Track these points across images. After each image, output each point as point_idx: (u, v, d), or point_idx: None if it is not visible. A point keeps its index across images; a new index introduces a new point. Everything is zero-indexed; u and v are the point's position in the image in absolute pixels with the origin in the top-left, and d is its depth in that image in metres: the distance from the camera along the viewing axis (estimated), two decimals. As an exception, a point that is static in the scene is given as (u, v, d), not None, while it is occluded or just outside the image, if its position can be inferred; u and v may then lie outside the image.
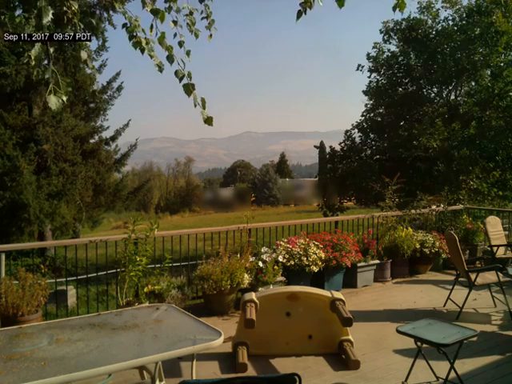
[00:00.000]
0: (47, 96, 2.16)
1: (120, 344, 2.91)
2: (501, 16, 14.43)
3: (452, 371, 3.35)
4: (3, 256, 4.85)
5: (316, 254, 6.00)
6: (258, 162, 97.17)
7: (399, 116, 17.88)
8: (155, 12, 2.72)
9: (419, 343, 3.43)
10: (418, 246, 7.02)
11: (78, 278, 8.74)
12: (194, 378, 3.16)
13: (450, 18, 16.27)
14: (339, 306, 4.06)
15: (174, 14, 2.93)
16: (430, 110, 15.86)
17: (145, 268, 4.95)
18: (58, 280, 9.71)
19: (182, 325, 3.26)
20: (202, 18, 3.11)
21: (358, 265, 6.49)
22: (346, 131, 18.97)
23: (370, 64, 18.07)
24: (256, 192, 52.06)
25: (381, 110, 18.51)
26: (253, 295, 4.18)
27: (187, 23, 3.00)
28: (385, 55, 17.89)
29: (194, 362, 3.15)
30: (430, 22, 16.79)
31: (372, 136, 18.51)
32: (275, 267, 5.67)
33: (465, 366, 3.87)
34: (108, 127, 17.18)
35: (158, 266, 5.34)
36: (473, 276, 5.21)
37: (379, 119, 18.36)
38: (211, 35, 3.18)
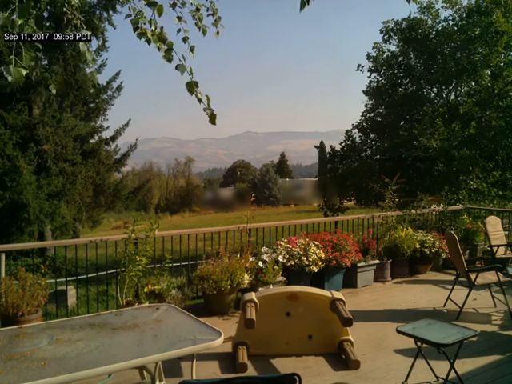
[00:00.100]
0: (5, 66, 2.07)
1: (120, 344, 2.91)
2: (501, 16, 14.43)
3: (452, 371, 3.35)
4: (3, 256, 4.85)
5: (316, 253, 6.00)
6: (258, 162, 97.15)
7: (399, 116, 17.88)
8: (152, 4, 2.69)
9: (419, 343, 3.43)
10: (417, 246, 7.02)
11: (78, 277, 8.74)
12: (194, 377, 3.17)
13: (450, 18, 16.28)
14: (339, 305, 4.06)
15: (179, 10, 2.91)
16: (430, 110, 15.86)
17: (145, 268, 4.95)
18: (58, 280, 9.73)
19: (181, 325, 3.26)
20: (208, 15, 3.09)
21: (358, 265, 6.49)
22: (346, 131, 18.98)
23: (370, 64, 18.08)
24: (256, 192, 52.06)
25: (381, 110, 18.51)
26: (253, 295, 4.18)
27: (194, 18, 2.97)
28: (385, 55, 17.90)
29: (194, 362, 3.15)
30: (430, 22, 16.80)
31: (372, 136, 18.52)
32: (275, 267, 5.67)
33: (465, 365, 3.87)
34: (108, 127, 17.21)
35: (158, 266, 5.34)
36: (473, 276, 5.21)
37: (379, 119, 18.36)
38: (218, 32, 3.15)
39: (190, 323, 3.27)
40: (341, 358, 4.13)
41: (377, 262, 6.74)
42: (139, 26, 2.66)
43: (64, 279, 9.11)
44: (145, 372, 3.40)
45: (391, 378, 3.75)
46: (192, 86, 2.71)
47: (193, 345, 2.88)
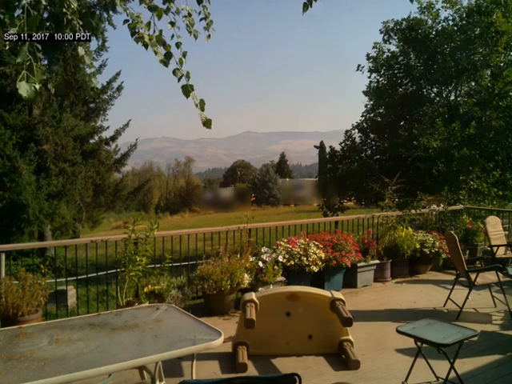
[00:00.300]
0: (18, 82, 1.99)
1: (120, 344, 2.91)
2: (501, 16, 14.43)
3: (452, 371, 3.35)
4: (3, 256, 4.85)
5: (316, 254, 6.00)
6: (258, 162, 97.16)
7: (399, 116, 17.86)
8: (153, 9, 2.72)
9: (419, 343, 3.43)
10: (418, 245, 7.02)
11: (78, 277, 8.73)
12: (194, 377, 3.17)
13: (450, 18, 16.26)
14: (339, 305, 4.06)
15: (172, 16, 2.94)
16: (430, 110, 15.84)
17: (145, 268, 4.95)
18: (58, 280, 9.72)
19: (181, 325, 3.26)
20: (201, 19, 3.13)
21: (358, 265, 6.49)
22: (346, 131, 18.96)
23: (370, 64, 18.06)
24: (256, 192, 52.05)
25: (381, 110, 18.49)
26: (253, 295, 4.18)
27: (186, 24, 3.01)
28: (385, 55, 17.87)
29: (194, 362, 3.15)
30: (430, 22, 16.78)
31: (372, 136, 18.50)
32: (275, 267, 5.67)
33: (465, 365, 3.87)
34: (108, 127, 17.19)
35: (158, 266, 5.34)
36: (473, 276, 5.21)
37: (379, 119, 18.34)
38: (209, 36, 3.20)
39: (190, 323, 3.27)
40: (341, 358, 4.13)
41: (377, 262, 6.74)
42: (137, 30, 2.69)
43: (64, 279, 9.10)
44: (145, 372, 3.40)
45: (391, 377, 3.75)
46: (188, 90, 2.73)
47: (193, 345, 2.88)
